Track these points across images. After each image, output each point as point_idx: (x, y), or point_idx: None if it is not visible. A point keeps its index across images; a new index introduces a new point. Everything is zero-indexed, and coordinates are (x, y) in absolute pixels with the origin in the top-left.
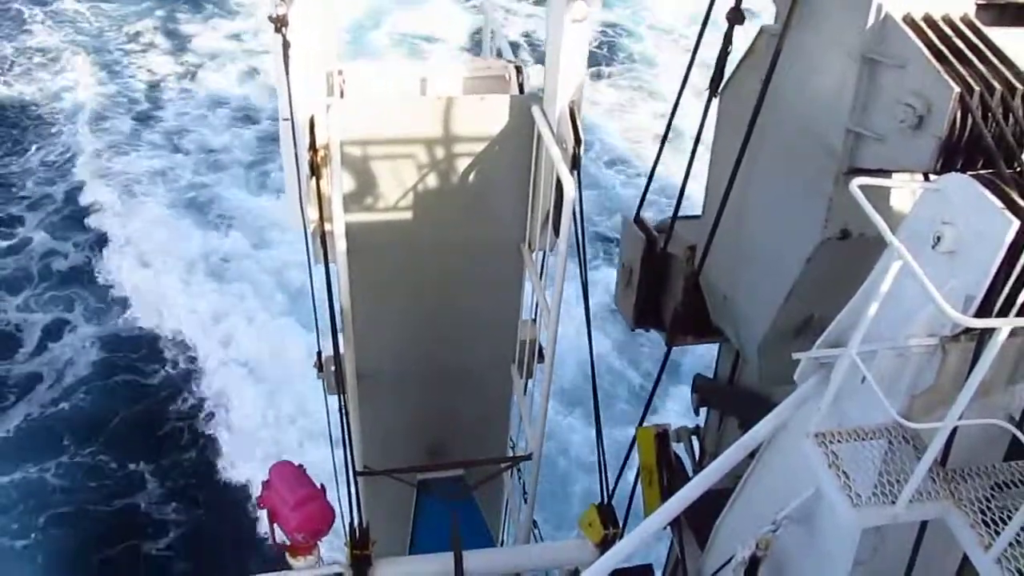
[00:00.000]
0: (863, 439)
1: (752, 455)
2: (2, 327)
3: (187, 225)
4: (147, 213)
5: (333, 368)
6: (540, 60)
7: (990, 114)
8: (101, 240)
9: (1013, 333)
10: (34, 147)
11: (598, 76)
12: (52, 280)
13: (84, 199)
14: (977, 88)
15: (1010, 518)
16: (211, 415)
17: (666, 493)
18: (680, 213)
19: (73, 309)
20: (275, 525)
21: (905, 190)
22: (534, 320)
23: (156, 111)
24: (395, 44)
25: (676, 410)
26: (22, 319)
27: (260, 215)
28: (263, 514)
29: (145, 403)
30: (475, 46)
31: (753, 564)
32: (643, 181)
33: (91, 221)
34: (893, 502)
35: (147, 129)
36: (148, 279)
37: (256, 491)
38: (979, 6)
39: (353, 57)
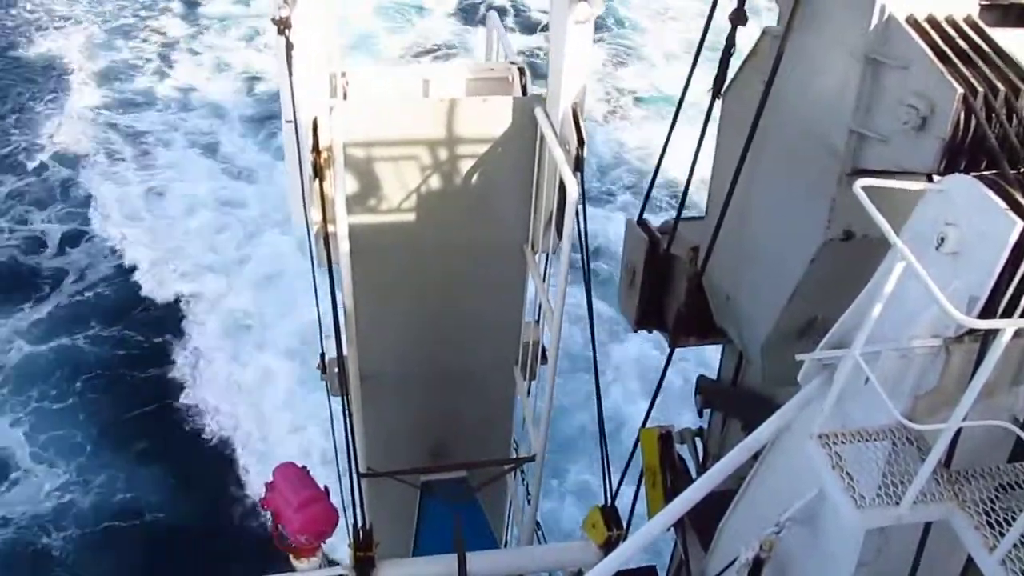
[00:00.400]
0: (867, 440)
1: (756, 456)
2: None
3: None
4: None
5: (336, 370)
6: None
7: (994, 115)
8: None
9: (1017, 334)
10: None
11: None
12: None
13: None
14: (981, 89)
15: (1015, 519)
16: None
17: (669, 495)
18: (683, 214)
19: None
20: (278, 526)
21: (908, 191)
22: (537, 321)
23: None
24: (401, 49)
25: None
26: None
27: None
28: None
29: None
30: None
31: (757, 565)
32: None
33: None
34: (897, 503)
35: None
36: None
37: (260, 492)
38: (983, 7)
39: (359, 60)
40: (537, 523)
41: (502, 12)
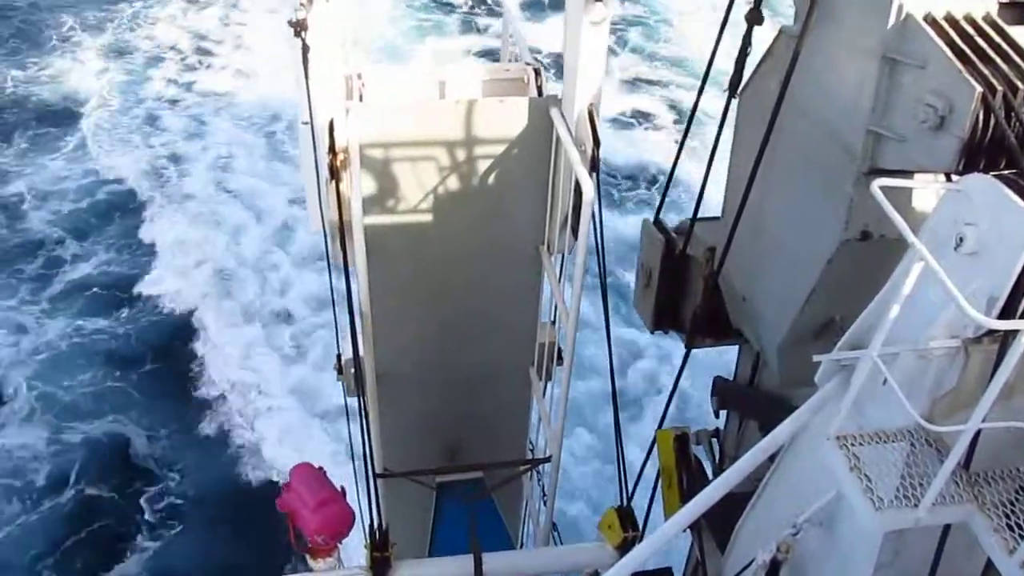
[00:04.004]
0: (885, 442)
1: (772, 458)
2: None
3: None
4: None
5: (353, 370)
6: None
7: (1013, 114)
8: None
9: None
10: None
11: None
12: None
13: None
14: (1000, 88)
15: None
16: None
17: (686, 496)
18: (699, 214)
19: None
20: (295, 527)
21: (927, 191)
22: (553, 322)
23: None
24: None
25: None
26: None
27: None
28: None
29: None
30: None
31: (774, 568)
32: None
33: None
34: (916, 505)
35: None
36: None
37: (276, 493)
38: (1001, 5)
39: (376, 62)
40: (553, 524)
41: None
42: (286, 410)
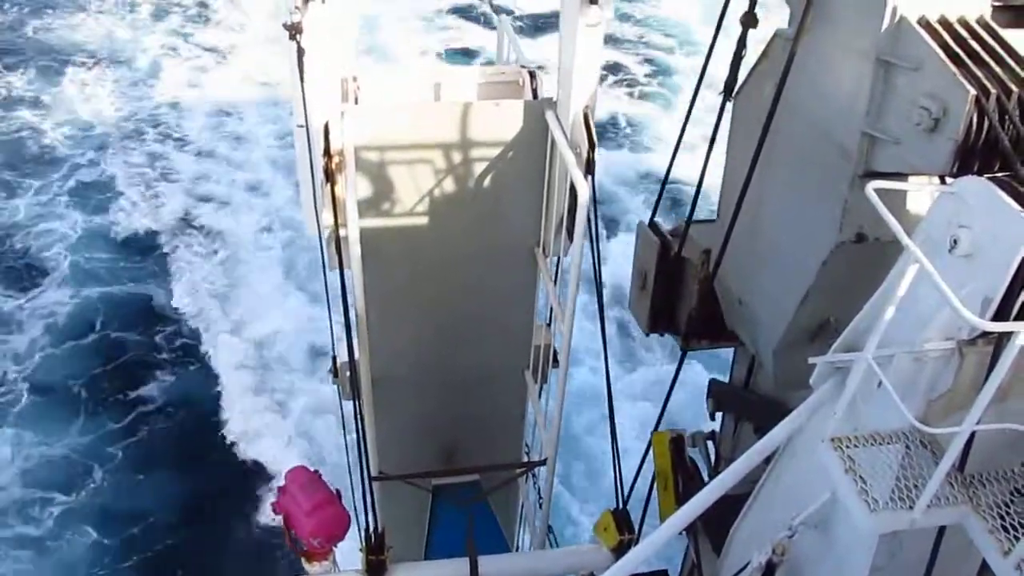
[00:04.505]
0: (880, 444)
1: (768, 460)
2: None
3: None
4: None
5: (348, 373)
6: None
7: (1007, 116)
8: None
9: None
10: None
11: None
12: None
13: None
14: (994, 90)
15: None
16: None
17: (681, 498)
18: (695, 217)
19: None
20: (290, 530)
21: (921, 193)
22: (548, 324)
23: None
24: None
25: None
26: None
27: None
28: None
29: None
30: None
31: (769, 569)
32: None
33: None
34: (911, 507)
35: None
36: None
37: (272, 496)
38: (995, 8)
39: (371, 65)
40: (549, 526)
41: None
42: (282, 413)
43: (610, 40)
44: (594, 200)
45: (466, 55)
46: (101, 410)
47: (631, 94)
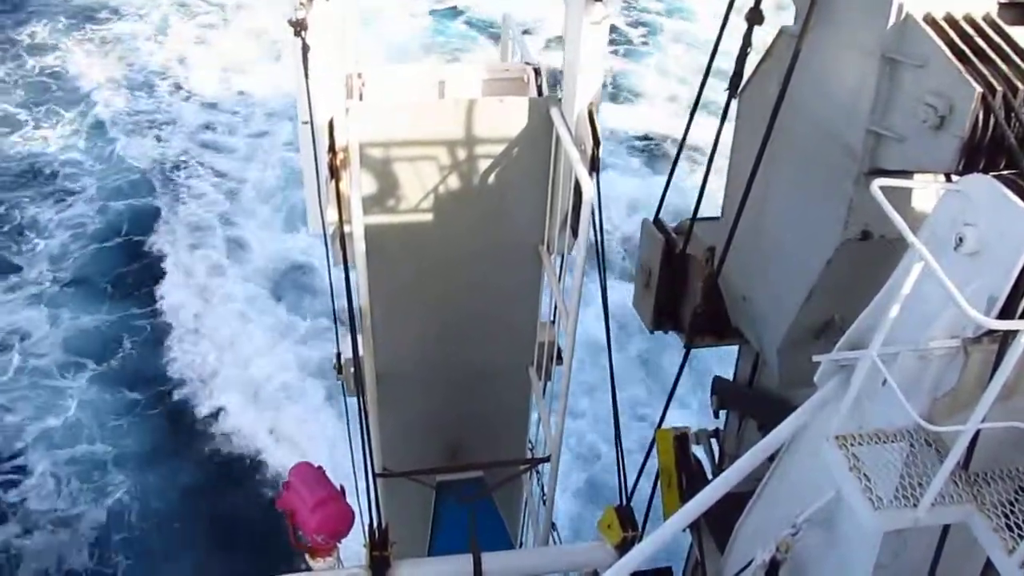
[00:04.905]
0: (884, 442)
1: (772, 458)
2: None
3: None
4: None
5: (352, 369)
6: None
7: (1013, 114)
8: None
9: None
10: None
11: None
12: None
13: None
14: (999, 88)
15: None
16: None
17: (685, 496)
18: (699, 214)
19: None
20: (294, 526)
21: (927, 191)
22: (552, 322)
23: None
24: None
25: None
26: None
27: None
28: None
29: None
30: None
31: (773, 567)
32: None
33: None
34: (915, 505)
35: None
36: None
37: (276, 492)
38: (1001, 5)
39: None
40: (552, 523)
41: None
42: (286, 409)
43: None
44: (599, 197)
45: (453, 13)
46: (127, 297)
47: (615, 52)
